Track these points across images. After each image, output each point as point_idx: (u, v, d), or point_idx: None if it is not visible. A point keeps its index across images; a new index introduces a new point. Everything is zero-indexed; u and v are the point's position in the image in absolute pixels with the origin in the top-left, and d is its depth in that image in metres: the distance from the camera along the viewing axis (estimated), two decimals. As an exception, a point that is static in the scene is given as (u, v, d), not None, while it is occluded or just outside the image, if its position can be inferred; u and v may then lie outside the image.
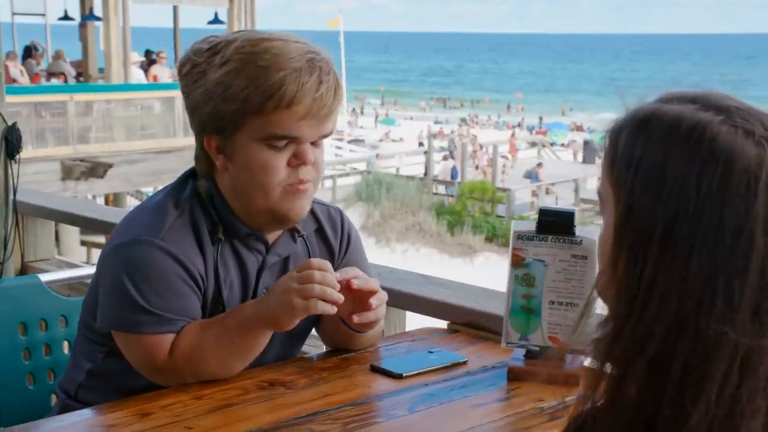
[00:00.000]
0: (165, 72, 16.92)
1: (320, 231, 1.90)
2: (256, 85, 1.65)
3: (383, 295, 1.78)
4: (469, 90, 67.23)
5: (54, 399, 2.00)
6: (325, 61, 1.70)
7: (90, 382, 1.83)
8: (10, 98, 14.32)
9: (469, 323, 2.02)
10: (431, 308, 2.13)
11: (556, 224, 1.73)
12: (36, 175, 14.66)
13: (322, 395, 1.65)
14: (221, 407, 1.59)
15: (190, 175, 1.80)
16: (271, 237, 1.81)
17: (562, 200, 24.02)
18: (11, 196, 2.84)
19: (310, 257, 1.85)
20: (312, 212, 1.88)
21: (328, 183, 25.07)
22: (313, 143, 1.72)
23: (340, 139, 34.94)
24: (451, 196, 23.82)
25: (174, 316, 1.69)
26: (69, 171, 14.94)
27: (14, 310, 2.12)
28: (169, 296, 1.69)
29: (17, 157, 2.84)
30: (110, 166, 14.12)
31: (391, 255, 20.64)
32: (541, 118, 42.05)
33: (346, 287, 1.70)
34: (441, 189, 24.81)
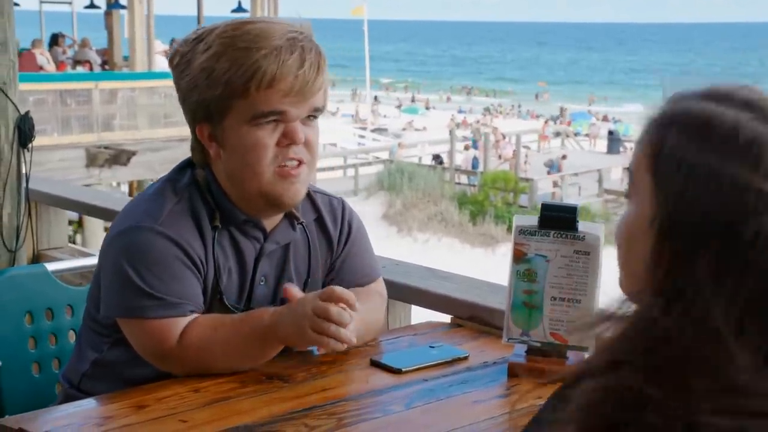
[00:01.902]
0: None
1: (320, 220, 1.90)
2: (237, 67, 1.66)
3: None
4: (495, 79, 66.95)
5: (59, 388, 2.01)
6: (308, 39, 1.71)
7: (94, 372, 1.83)
8: (36, 85, 14.40)
9: (473, 318, 2.01)
10: (435, 302, 2.12)
11: (558, 219, 1.71)
12: (61, 162, 14.77)
13: (320, 389, 1.64)
14: (217, 400, 1.59)
15: (188, 164, 1.81)
16: (269, 224, 1.81)
17: (585, 190, 23.90)
18: (24, 185, 2.85)
19: (309, 246, 1.86)
20: (312, 201, 1.88)
21: (350, 172, 25.09)
22: (304, 123, 1.72)
23: (363, 128, 34.95)
24: (474, 185, 23.75)
25: (177, 300, 1.69)
26: (93, 158, 15.03)
27: (21, 299, 2.13)
28: (171, 280, 1.69)
29: (30, 145, 2.84)
30: (133, 153, 14.19)
31: (413, 244, 20.63)
32: (563, 109, 41.77)
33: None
34: (463, 179, 24.75)
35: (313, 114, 1.74)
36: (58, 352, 2.18)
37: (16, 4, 14.37)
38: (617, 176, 25.98)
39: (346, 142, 31.10)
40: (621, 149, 31.11)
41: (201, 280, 1.74)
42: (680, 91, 0.97)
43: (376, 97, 46.63)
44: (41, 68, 16.15)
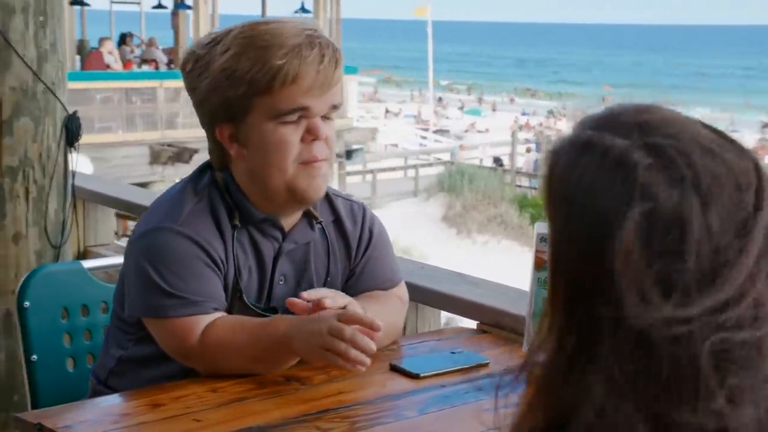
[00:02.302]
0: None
1: (338, 223, 1.91)
2: (261, 65, 1.68)
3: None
4: (557, 82, 66.40)
5: (90, 383, 2.06)
6: (323, 36, 1.74)
7: (120, 369, 1.87)
8: (103, 83, 14.65)
9: (498, 324, 2.00)
10: (461, 307, 2.11)
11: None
12: (125, 159, 15.07)
13: (336, 393, 1.65)
14: (233, 401, 1.61)
15: (207, 166, 1.83)
16: (288, 224, 1.82)
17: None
18: (70, 182, 2.91)
19: (328, 246, 1.87)
20: (331, 203, 1.89)
21: (411, 173, 25.10)
22: (323, 118, 1.74)
23: (425, 129, 34.93)
24: (535, 188, 23.58)
25: (198, 298, 1.72)
26: (157, 155, 15.30)
27: (57, 295, 2.18)
28: (191, 279, 1.71)
29: (76, 144, 2.91)
30: (195, 151, 14.40)
31: (472, 246, 20.57)
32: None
33: (318, 306, 1.68)
34: (524, 181, 24.59)
35: (332, 111, 1.77)
36: (92, 348, 2.22)
37: (87, 4, 14.59)
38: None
39: (407, 142, 31.13)
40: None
41: (222, 278, 1.76)
42: (584, 116, 0.87)
43: (440, 98, 46.57)
44: (108, 66, 16.47)
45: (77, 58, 17.18)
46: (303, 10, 18.90)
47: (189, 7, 17.62)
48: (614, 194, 0.78)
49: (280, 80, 1.68)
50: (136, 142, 15.31)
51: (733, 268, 0.76)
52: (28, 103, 2.78)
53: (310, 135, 1.73)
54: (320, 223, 1.87)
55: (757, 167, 0.80)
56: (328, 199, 1.89)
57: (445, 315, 2.33)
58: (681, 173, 0.77)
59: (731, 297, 0.76)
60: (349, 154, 18.36)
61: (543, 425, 0.82)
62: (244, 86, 1.69)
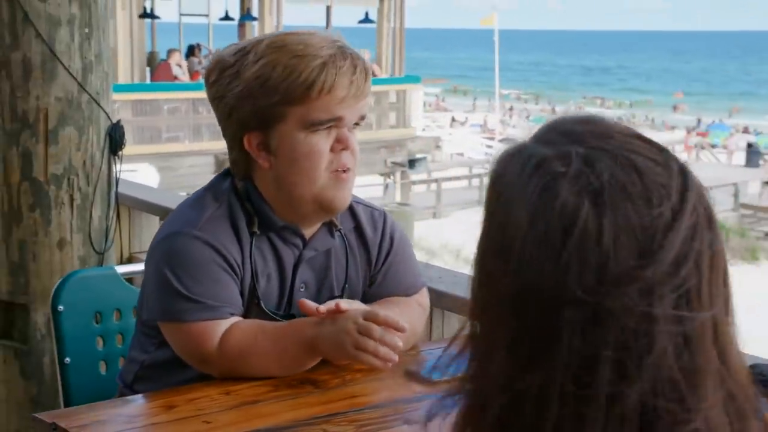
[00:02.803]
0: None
1: (358, 230, 1.92)
2: (297, 74, 1.71)
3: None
4: (624, 90, 65.51)
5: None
6: (352, 48, 1.77)
7: (144, 373, 1.91)
8: (170, 94, 14.95)
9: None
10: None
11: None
12: (191, 168, 15.32)
13: (348, 396, 1.67)
14: (246, 403, 1.63)
15: (228, 173, 1.86)
16: (308, 232, 1.85)
17: (719, 204, 23.09)
18: (114, 189, 2.98)
19: (347, 253, 1.88)
20: (352, 211, 1.91)
21: (475, 182, 25.00)
22: (349, 130, 1.77)
23: (491, 138, 34.78)
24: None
25: (216, 303, 1.75)
26: (221, 165, 15.51)
27: (90, 299, 2.24)
28: (209, 283, 1.74)
29: (120, 153, 2.97)
30: (258, 161, 14.56)
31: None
32: (699, 120, 40.50)
33: (335, 310, 1.71)
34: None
35: (359, 121, 1.78)
36: (125, 352, 2.26)
37: (157, 17, 14.91)
38: (755, 190, 25.01)
39: (473, 152, 31.02)
40: (761, 162, 29.92)
41: (238, 284, 1.79)
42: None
43: (511, 108, 46.33)
44: (176, 78, 16.77)
45: (147, 69, 17.56)
46: (367, 20, 19.00)
47: (255, 19, 17.87)
48: (526, 199, 0.78)
49: (316, 90, 1.71)
50: (201, 152, 15.54)
51: (633, 280, 0.75)
52: (72, 113, 2.86)
53: (340, 144, 1.76)
54: (340, 230, 1.89)
55: (683, 186, 0.79)
56: (349, 206, 1.91)
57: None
58: (587, 182, 0.77)
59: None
60: (412, 163, 18.37)
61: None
62: (278, 95, 1.72)
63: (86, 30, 2.87)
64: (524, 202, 0.79)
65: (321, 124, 1.74)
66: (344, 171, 1.77)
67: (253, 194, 1.81)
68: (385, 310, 1.78)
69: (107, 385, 2.21)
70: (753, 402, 0.80)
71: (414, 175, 20.02)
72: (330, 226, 1.87)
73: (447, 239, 18.06)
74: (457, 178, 25.03)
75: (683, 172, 0.80)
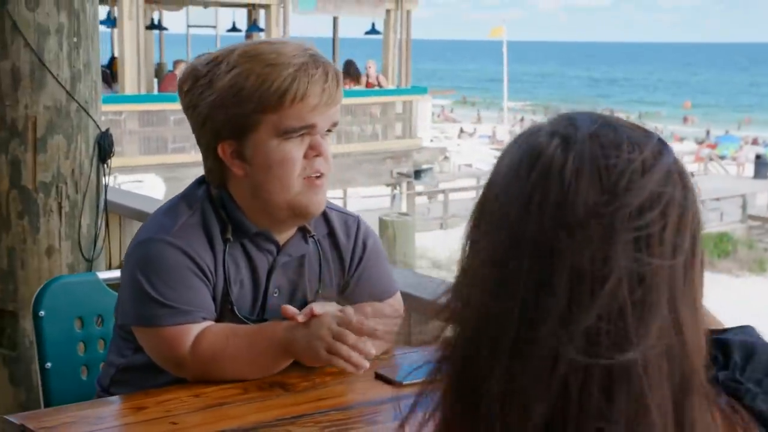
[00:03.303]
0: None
1: (332, 236, 1.95)
2: (270, 83, 1.73)
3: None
4: (632, 102, 65.42)
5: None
6: (324, 56, 1.79)
7: (120, 377, 1.93)
8: (177, 105, 15.13)
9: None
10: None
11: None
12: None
13: (315, 399, 1.69)
14: (214, 405, 1.65)
15: (203, 180, 1.88)
16: (282, 238, 1.87)
17: (727, 216, 23.04)
18: (102, 197, 3.01)
19: (320, 258, 1.90)
20: (325, 217, 1.93)
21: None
22: (322, 136, 1.79)
23: (500, 150, 34.74)
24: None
25: (189, 308, 1.77)
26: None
27: (72, 305, 2.25)
28: (182, 289, 1.77)
29: (109, 161, 3.00)
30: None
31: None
32: (708, 131, 40.41)
33: (309, 314, 1.74)
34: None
35: (331, 128, 1.81)
36: (106, 357, 2.29)
37: (165, 29, 14.99)
38: (763, 202, 24.93)
39: (482, 163, 31.01)
40: (769, 174, 29.85)
41: (211, 289, 1.81)
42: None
43: (522, 119, 46.32)
44: (183, 89, 16.81)
45: (155, 80, 17.63)
46: (374, 31, 19.05)
47: (262, 30, 17.93)
48: (511, 154, 0.83)
49: (289, 98, 1.73)
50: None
51: (592, 216, 0.78)
52: (61, 122, 2.89)
53: (313, 151, 1.79)
54: (314, 236, 1.91)
55: (660, 149, 0.82)
56: (323, 212, 1.93)
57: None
58: (563, 129, 0.82)
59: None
60: (418, 174, 18.38)
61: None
62: (252, 103, 1.74)
63: (75, 39, 2.90)
64: (508, 156, 0.84)
65: (294, 132, 1.76)
66: (318, 177, 1.80)
67: (228, 201, 1.83)
68: (359, 315, 1.80)
69: (88, 390, 2.23)
70: (701, 377, 0.81)
71: (421, 186, 20.04)
72: (304, 232, 1.90)
73: (454, 250, 18.05)
74: (465, 189, 25.04)
75: (664, 146, 0.83)
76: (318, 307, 1.74)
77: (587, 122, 0.83)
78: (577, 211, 0.78)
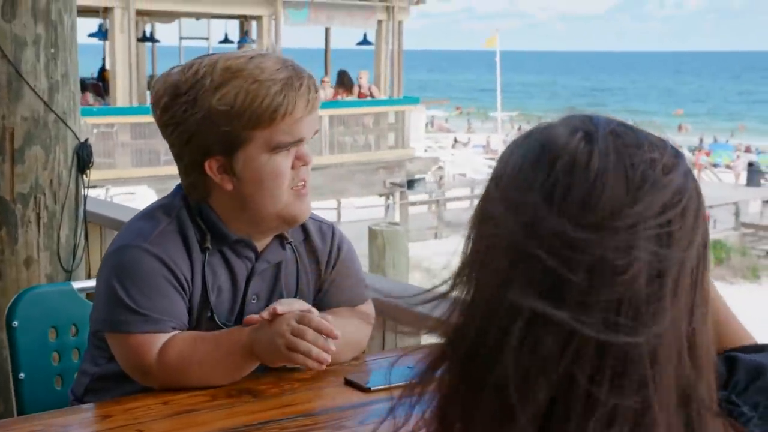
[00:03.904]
0: (328, 92, 17.18)
1: (308, 242, 1.95)
2: (260, 100, 1.73)
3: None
4: (620, 111, 65.45)
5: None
6: (301, 66, 1.80)
7: (94, 386, 1.92)
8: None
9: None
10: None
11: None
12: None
13: (283, 405, 1.68)
14: (182, 412, 1.65)
15: (181, 188, 1.88)
16: (260, 244, 1.87)
17: (720, 223, 23.08)
18: (81, 207, 3.01)
19: (298, 265, 1.91)
20: (302, 224, 1.93)
21: (477, 202, 25.00)
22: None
23: (494, 159, 34.80)
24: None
25: (160, 316, 1.77)
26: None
27: (46, 314, 2.25)
28: (156, 297, 1.77)
29: (87, 171, 3.00)
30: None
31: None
32: (701, 139, 40.48)
33: (272, 313, 1.73)
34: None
35: (313, 136, 1.84)
36: (80, 366, 2.28)
37: (157, 41, 15.03)
38: (756, 209, 24.98)
39: (476, 173, 31.04)
40: (762, 181, 29.90)
41: (186, 299, 1.81)
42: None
43: (520, 128, 46.38)
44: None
45: (147, 93, 17.65)
46: (366, 41, 19.11)
47: (254, 41, 17.97)
48: (525, 146, 0.83)
49: (280, 114, 1.74)
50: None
51: (618, 215, 0.78)
52: (39, 132, 2.89)
53: (300, 161, 1.80)
54: (291, 243, 1.91)
55: (677, 153, 0.83)
56: None
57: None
58: (583, 126, 0.81)
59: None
60: (410, 183, 18.40)
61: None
62: (243, 120, 1.74)
63: (52, 50, 2.90)
64: (523, 148, 0.83)
65: (285, 147, 1.78)
66: (303, 185, 1.82)
67: (207, 211, 1.83)
68: (322, 314, 1.80)
69: (62, 400, 2.22)
70: (711, 391, 0.82)
71: (414, 196, 20.05)
72: (281, 239, 1.90)
73: (448, 260, 18.04)
74: (458, 198, 25.05)
75: (677, 149, 0.84)
76: (281, 307, 1.75)
77: (604, 121, 0.83)
78: (603, 209, 0.78)
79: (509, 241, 0.80)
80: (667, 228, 0.79)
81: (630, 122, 0.87)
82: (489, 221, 0.83)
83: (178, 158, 1.84)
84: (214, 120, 1.75)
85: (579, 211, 0.78)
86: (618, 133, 0.81)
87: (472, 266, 0.84)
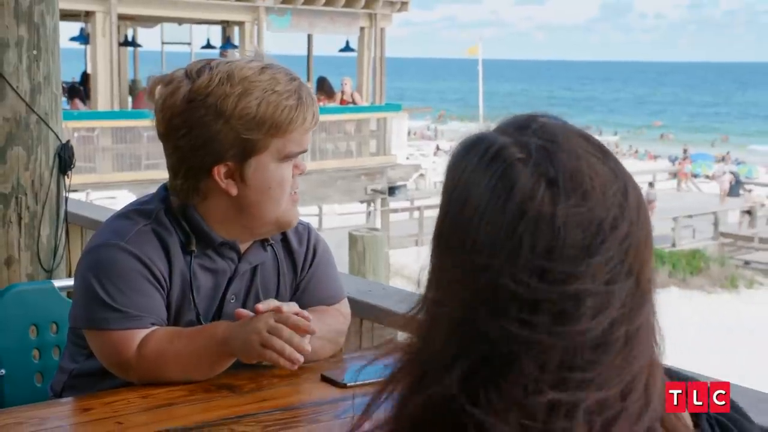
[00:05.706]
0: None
1: (285, 242, 1.99)
2: (281, 109, 1.79)
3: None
4: (611, 122, 65.90)
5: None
6: (300, 77, 1.86)
7: (73, 383, 1.95)
8: (151, 122, 15.13)
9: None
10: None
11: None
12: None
13: (261, 399, 1.71)
14: (160, 406, 1.68)
15: (163, 190, 1.91)
16: (243, 246, 1.91)
17: (699, 233, 23.24)
18: (63, 208, 3.03)
19: (278, 266, 1.94)
20: None
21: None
22: None
23: (475, 167, 34.85)
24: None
25: (139, 313, 1.80)
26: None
27: (26, 312, 2.28)
28: (133, 294, 1.80)
29: (69, 172, 3.02)
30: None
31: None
32: (686, 150, 40.74)
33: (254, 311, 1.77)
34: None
35: None
36: (59, 363, 2.30)
37: (139, 45, 14.96)
38: (735, 219, 25.16)
39: (457, 180, 31.09)
40: (741, 192, 30.11)
41: (164, 296, 1.84)
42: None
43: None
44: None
45: (129, 98, 17.62)
46: (348, 48, 19.15)
47: (236, 47, 17.97)
48: (486, 182, 0.85)
49: (295, 123, 1.80)
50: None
51: (579, 265, 0.83)
52: (21, 133, 2.91)
53: (297, 170, 1.87)
54: (271, 244, 1.95)
55: (626, 189, 0.87)
56: None
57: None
58: (545, 170, 0.84)
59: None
60: (392, 190, 18.45)
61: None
62: (264, 128, 1.79)
63: (35, 52, 2.93)
64: (484, 184, 0.85)
65: (293, 156, 1.84)
66: (296, 192, 1.88)
67: (191, 213, 1.86)
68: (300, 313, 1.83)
69: (43, 397, 2.24)
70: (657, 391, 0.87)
71: (395, 203, 20.10)
72: (262, 240, 1.94)
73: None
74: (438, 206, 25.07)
75: (618, 167, 0.88)
76: (263, 306, 1.78)
77: (560, 156, 0.85)
78: (566, 255, 0.82)
79: (469, 274, 0.84)
80: (620, 257, 0.84)
81: (581, 133, 0.89)
82: (447, 259, 0.88)
83: (180, 162, 1.83)
84: (234, 126, 1.78)
85: (543, 261, 0.82)
86: (575, 178, 0.84)
87: (434, 292, 0.89)
